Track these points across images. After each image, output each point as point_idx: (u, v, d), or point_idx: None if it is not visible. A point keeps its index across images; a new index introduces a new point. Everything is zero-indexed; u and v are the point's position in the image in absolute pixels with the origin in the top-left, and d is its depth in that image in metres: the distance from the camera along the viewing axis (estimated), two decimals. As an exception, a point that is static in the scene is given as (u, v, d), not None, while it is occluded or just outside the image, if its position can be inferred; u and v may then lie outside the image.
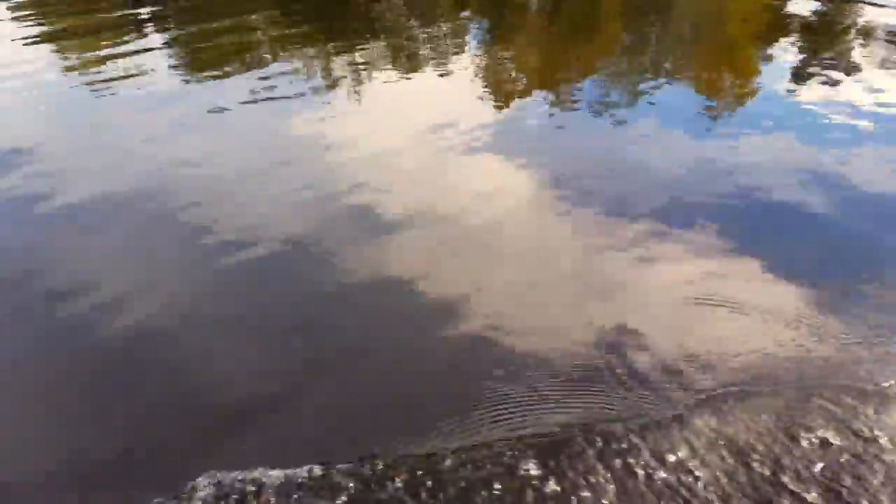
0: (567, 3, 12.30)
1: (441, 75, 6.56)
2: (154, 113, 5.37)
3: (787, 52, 7.44)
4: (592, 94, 5.96)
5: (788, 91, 5.98)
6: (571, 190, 3.87)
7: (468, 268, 3.11)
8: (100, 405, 2.38)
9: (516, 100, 5.79)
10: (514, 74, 6.78)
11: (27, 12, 9.42)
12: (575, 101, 5.74)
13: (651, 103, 5.65)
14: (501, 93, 5.99)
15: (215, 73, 6.55)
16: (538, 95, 5.95)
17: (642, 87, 6.14)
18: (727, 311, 2.78)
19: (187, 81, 6.31)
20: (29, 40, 7.70)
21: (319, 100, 5.72)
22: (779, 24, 8.73)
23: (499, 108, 5.56)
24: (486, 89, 6.15)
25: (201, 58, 7.27)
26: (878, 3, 9.06)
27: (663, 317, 2.77)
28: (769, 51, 7.57)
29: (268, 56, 7.29)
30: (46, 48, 7.56)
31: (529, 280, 3.07)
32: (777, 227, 3.58)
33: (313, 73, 6.59)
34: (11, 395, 2.42)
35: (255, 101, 5.62)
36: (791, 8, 9.47)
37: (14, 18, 8.92)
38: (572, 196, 3.80)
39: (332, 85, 6.17)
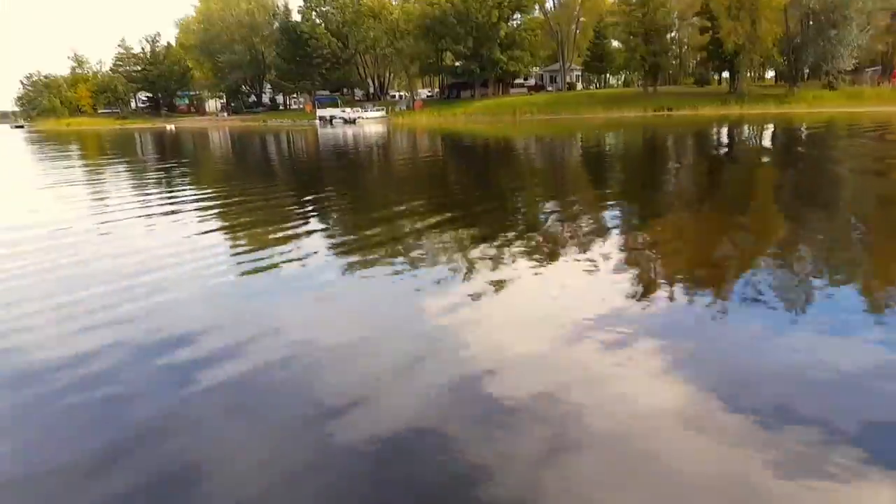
0: (717, 182, 14.00)
1: (581, 262, 6.62)
2: (304, 295, 5.91)
3: None
4: (748, 286, 5.65)
5: None
6: (726, 401, 3.57)
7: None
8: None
9: (662, 290, 5.63)
10: (659, 262, 6.79)
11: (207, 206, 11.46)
12: (726, 295, 5.48)
13: (815, 301, 5.32)
14: (645, 282, 5.91)
15: (365, 258, 7.27)
16: (686, 286, 5.76)
17: (806, 282, 5.86)
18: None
19: (340, 268, 6.88)
20: (204, 232, 9.05)
21: (456, 286, 5.92)
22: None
23: (643, 298, 5.39)
24: (628, 277, 6.01)
25: (353, 245, 8.14)
26: None
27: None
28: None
29: (410, 242, 8.06)
30: (220, 237, 8.78)
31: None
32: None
33: (451, 260, 6.98)
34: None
35: (393, 285, 6.08)
36: None
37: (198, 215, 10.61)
38: (727, 408, 3.50)
39: (470, 271, 6.44)
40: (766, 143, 25.23)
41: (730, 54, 54.37)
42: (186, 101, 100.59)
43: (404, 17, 68.37)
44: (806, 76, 57.11)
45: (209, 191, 14.85)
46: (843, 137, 25.58)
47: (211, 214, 10.77)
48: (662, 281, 5.99)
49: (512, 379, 3.93)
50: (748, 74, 62.19)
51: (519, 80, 73.95)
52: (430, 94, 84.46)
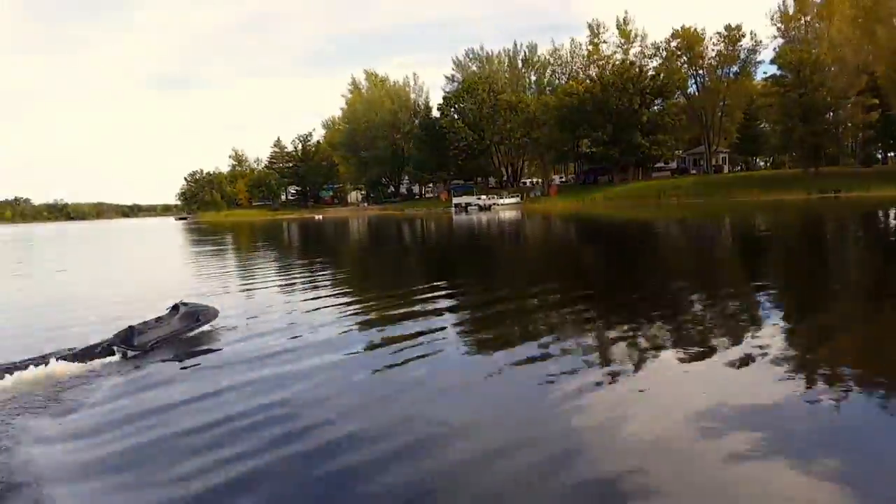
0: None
1: (730, 359, 6.13)
2: (430, 382, 5.97)
3: None
4: None
5: None
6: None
7: None
8: None
9: (825, 393, 5.12)
10: (822, 359, 6.22)
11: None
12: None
13: None
14: (806, 381, 5.46)
15: (495, 347, 7.25)
16: (852, 387, 5.26)
17: None
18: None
19: (468, 355, 7.01)
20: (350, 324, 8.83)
21: (591, 378, 5.78)
22: None
23: (803, 400, 4.97)
24: (785, 375, 5.55)
25: (482, 336, 8.11)
26: None
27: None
28: None
29: (543, 328, 8.19)
30: (358, 324, 8.83)
31: None
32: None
33: (588, 350, 6.83)
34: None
35: (525, 375, 6.05)
36: None
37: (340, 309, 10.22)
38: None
39: (607, 363, 6.29)
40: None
41: (903, 131, 51.30)
42: (331, 193, 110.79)
43: (541, 108, 72.01)
44: None
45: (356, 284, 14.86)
46: None
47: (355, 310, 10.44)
48: (819, 383, 5.46)
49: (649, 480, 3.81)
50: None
51: (659, 165, 74.05)
52: (562, 179, 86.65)
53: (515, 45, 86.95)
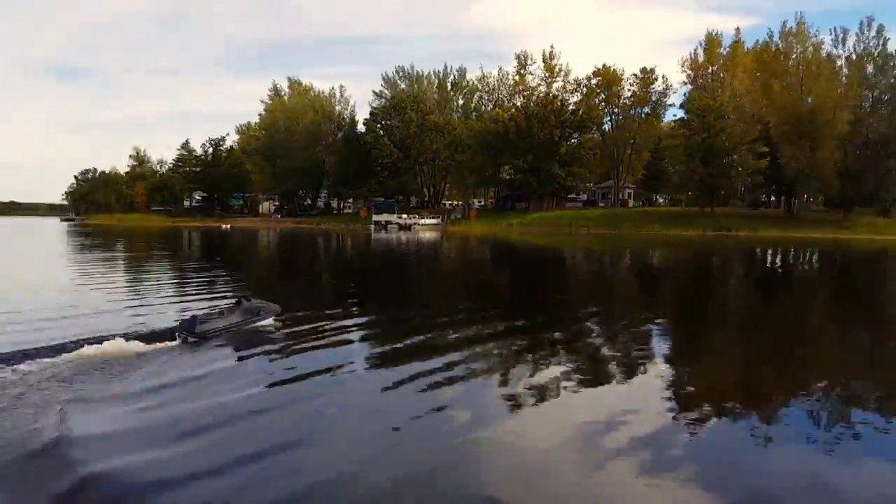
0: (773, 310, 14.01)
1: (622, 382, 6.84)
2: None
3: None
4: (799, 417, 5.86)
5: None
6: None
7: None
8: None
9: (699, 412, 5.89)
10: (700, 389, 6.86)
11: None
12: (771, 425, 5.60)
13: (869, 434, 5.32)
14: (685, 408, 5.97)
15: (391, 363, 7.48)
16: (729, 414, 5.96)
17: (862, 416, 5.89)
18: None
19: (366, 371, 7.14)
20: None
21: (486, 400, 6.10)
22: None
23: (682, 425, 5.48)
24: (669, 403, 6.08)
25: (379, 351, 8.35)
26: None
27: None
28: None
29: (444, 345, 8.52)
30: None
31: None
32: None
33: (484, 371, 7.15)
34: None
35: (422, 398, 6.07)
36: None
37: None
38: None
39: (503, 384, 6.65)
40: (845, 265, 27.78)
41: (788, 179, 58.01)
42: (240, 202, 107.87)
43: (466, 132, 74.93)
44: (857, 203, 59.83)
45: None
46: None
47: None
48: (698, 405, 6.15)
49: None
50: (806, 199, 65.42)
51: (572, 195, 78.77)
52: (481, 203, 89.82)
53: (446, 67, 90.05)
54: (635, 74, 75.74)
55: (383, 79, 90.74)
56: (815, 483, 4.43)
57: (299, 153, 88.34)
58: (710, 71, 68.07)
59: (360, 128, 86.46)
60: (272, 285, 17.72)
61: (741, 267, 26.56)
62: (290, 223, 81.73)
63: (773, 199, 73.12)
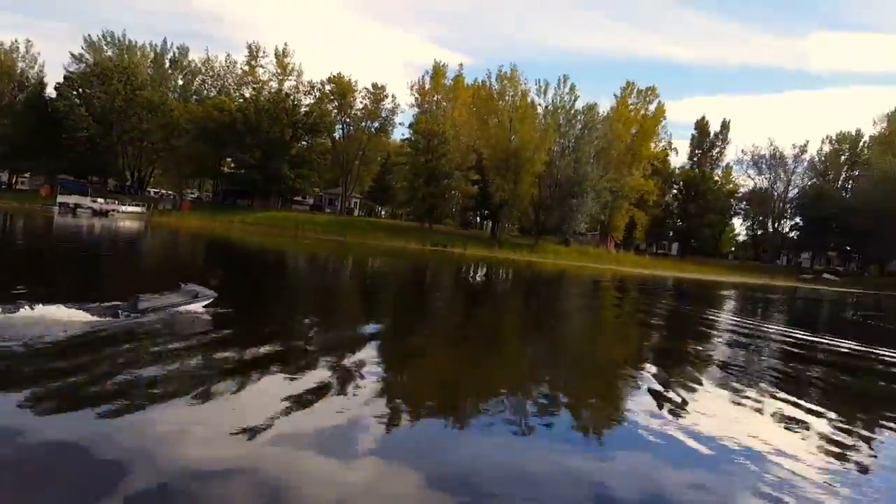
0: (477, 315, 16.73)
1: (321, 379, 7.40)
2: None
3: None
4: (483, 409, 7.05)
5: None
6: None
7: None
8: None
9: (414, 408, 6.89)
10: (404, 381, 8.28)
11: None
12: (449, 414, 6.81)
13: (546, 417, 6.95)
14: (388, 401, 6.97)
15: None
16: (444, 405, 7.17)
17: (541, 401, 7.65)
18: None
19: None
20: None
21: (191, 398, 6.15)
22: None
23: (401, 415, 6.55)
24: (377, 395, 6.99)
25: None
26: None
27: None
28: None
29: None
30: None
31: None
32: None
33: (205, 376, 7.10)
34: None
35: None
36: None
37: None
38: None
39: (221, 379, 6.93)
40: (536, 283, 33.10)
41: (495, 206, 66.85)
42: None
43: (186, 116, 69.61)
44: (545, 232, 71.94)
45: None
46: (586, 283, 35.07)
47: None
48: (406, 403, 7.02)
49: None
50: (507, 225, 75.93)
51: (298, 198, 78.77)
52: (195, 195, 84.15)
53: (165, 42, 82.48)
54: (367, 88, 79.29)
55: (86, 41, 79.05)
56: (506, 463, 5.49)
57: (-41, 109, 72.13)
58: (435, 98, 73.52)
59: (51, 93, 74.20)
60: None
61: (456, 278, 30.15)
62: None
63: (480, 221, 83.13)
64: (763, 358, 13.36)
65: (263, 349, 8.78)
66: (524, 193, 65.59)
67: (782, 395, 9.13)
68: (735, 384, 9.57)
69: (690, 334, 16.71)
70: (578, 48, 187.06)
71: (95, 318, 8.53)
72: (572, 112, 69.48)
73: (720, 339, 15.93)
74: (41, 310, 8.12)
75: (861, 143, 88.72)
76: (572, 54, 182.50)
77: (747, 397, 8.80)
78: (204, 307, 10.32)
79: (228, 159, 71.46)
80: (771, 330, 18.87)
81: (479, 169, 67.03)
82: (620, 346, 14.43)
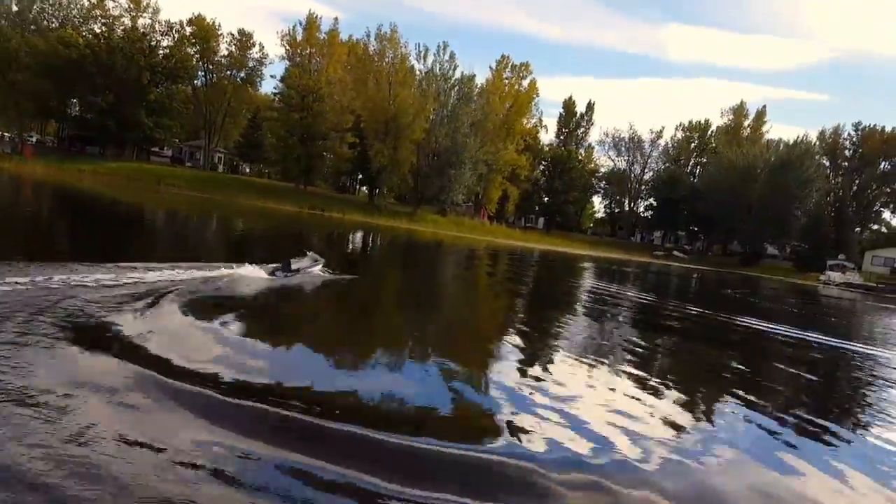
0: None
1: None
2: None
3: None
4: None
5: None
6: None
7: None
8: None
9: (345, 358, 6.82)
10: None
11: None
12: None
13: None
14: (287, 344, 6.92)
15: None
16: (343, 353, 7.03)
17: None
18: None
19: None
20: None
21: None
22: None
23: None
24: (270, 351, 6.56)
25: None
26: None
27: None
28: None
29: None
30: None
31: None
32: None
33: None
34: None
35: None
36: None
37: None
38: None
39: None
40: (417, 251, 34.77)
41: (373, 171, 67.56)
42: None
43: (26, 49, 62.82)
44: (423, 200, 73.98)
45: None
46: (464, 252, 37.37)
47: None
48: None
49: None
50: (384, 191, 76.89)
51: (156, 149, 74.31)
52: (35, 139, 76.43)
53: (-7, -43, 72.69)
54: (232, 34, 76.01)
55: None
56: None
57: None
58: (308, 52, 71.17)
59: None
60: None
61: (355, 244, 31.11)
62: None
63: (355, 186, 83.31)
64: (620, 318, 15.29)
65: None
66: (404, 160, 66.71)
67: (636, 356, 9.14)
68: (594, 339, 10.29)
69: (560, 296, 19.06)
70: (455, 16, 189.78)
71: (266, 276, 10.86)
72: (452, 81, 71.34)
73: (583, 306, 17.03)
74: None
75: (709, 133, 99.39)
76: (448, 23, 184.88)
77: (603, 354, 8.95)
78: (321, 269, 13.06)
79: (75, 101, 65.64)
80: (631, 294, 22.03)
81: (358, 131, 67.13)
82: (491, 313, 14.11)
